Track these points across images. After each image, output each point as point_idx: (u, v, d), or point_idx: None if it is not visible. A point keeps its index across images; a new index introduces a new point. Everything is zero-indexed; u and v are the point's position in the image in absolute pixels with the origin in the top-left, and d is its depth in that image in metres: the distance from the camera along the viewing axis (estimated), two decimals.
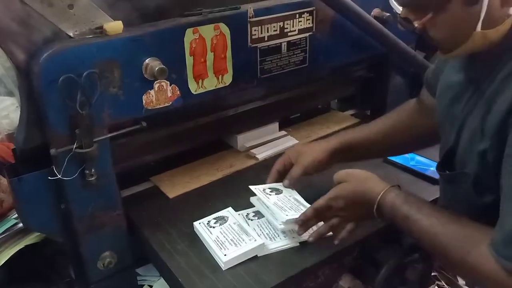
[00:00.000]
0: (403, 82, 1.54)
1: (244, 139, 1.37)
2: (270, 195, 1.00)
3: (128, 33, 0.93)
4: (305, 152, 1.02)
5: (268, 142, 1.39)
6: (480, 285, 0.73)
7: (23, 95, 0.89)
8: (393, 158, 1.25)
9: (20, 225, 1.17)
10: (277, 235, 0.97)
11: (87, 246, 1.02)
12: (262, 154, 1.32)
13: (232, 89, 1.12)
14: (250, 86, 1.17)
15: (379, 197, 0.84)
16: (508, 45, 0.70)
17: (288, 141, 1.39)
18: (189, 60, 1.02)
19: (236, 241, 0.93)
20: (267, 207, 0.98)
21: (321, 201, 0.90)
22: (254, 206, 1.06)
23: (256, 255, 0.92)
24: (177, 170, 1.27)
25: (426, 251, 0.85)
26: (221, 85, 1.10)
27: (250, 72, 1.15)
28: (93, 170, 0.94)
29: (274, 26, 1.14)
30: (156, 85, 0.99)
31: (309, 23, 1.20)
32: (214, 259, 0.93)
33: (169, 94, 1.02)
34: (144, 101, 0.99)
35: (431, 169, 1.18)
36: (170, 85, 1.01)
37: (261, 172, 1.25)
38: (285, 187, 1.02)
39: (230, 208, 1.05)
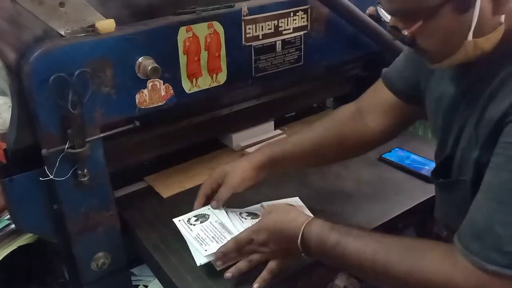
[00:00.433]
0: None
1: (239, 138, 1.36)
2: (193, 225, 0.96)
3: (120, 31, 0.92)
4: (231, 172, 0.99)
5: (263, 141, 1.38)
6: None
7: (14, 94, 0.88)
8: (388, 157, 1.25)
9: (13, 226, 1.16)
10: (223, 238, 0.92)
11: (81, 247, 1.01)
12: None
13: (226, 88, 1.11)
14: (245, 85, 1.17)
15: (303, 227, 0.78)
16: (500, 54, 0.68)
17: None
18: (182, 59, 1.01)
19: (218, 238, 0.91)
20: (189, 242, 0.93)
21: (243, 233, 0.86)
22: (252, 205, 1.05)
23: None
24: (172, 169, 1.26)
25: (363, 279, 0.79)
26: (215, 84, 1.09)
27: (245, 71, 1.14)
28: (85, 171, 0.93)
29: (268, 25, 1.13)
30: (149, 84, 0.98)
31: (304, 22, 1.20)
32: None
33: (163, 93, 1.01)
34: (137, 101, 0.98)
35: (426, 167, 1.18)
36: (163, 84, 1.00)
37: None
38: (214, 208, 0.99)
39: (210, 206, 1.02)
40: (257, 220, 0.99)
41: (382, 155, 1.25)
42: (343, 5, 1.18)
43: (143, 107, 0.99)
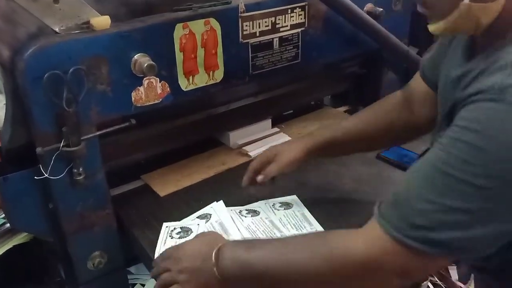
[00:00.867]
0: (396, 78, 1.52)
1: (236, 136, 1.35)
2: (245, 217, 0.98)
3: (115, 28, 0.91)
4: (282, 152, 1.01)
5: (261, 139, 1.37)
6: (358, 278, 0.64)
7: (8, 92, 0.87)
8: (386, 155, 1.24)
9: (8, 225, 1.15)
10: (273, 234, 0.95)
11: (77, 246, 1.01)
12: (254, 151, 1.30)
13: (223, 85, 1.10)
14: (242, 83, 1.16)
15: (218, 247, 0.74)
16: (495, 35, 0.63)
17: (281, 138, 1.38)
18: (179, 56, 1.00)
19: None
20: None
21: (169, 249, 0.85)
22: (248, 204, 1.05)
23: None
24: (168, 168, 1.25)
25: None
26: (212, 82, 1.08)
27: (242, 68, 1.13)
28: (81, 169, 0.92)
29: (265, 22, 1.12)
30: (145, 82, 0.97)
31: (301, 19, 1.19)
32: None
33: (159, 91, 1.00)
34: (133, 98, 0.97)
35: None
36: (159, 82, 1.00)
37: None
38: (259, 181, 1.00)
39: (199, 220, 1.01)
40: (257, 217, 0.99)
41: (381, 153, 1.25)
42: (341, 2, 1.18)
43: (139, 105, 0.98)
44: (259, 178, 1.00)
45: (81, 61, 0.87)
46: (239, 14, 1.07)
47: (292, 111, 1.57)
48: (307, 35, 1.22)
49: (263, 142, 1.36)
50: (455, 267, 1.43)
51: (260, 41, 1.13)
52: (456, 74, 0.71)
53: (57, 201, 0.95)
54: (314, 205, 1.05)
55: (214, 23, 1.03)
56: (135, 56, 0.93)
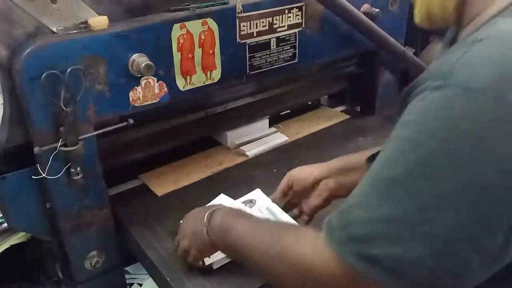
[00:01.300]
0: (392, 78, 1.53)
1: (233, 136, 1.35)
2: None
3: (113, 28, 0.91)
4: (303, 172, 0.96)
5: (258, 139, 1.37)
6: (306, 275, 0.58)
7: (5, 92, 0.87)
8: None
9: (6, 224, 1.15)
10: None
11: (74, 246, 1.01)
12: (252, 151, 1.31)
13: (220, 85, 1.11)
14: (239, 83, 1.16)
15: (209, 212, 0.79)
16: (465, 26, 0.58)
17: (278, 138, 1.38)
18: (176, 56, 1.01)
19: None
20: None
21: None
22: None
23: None
24: (166, 167, 1.26)
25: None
26: (209, 82, 1.08)
27: (239, 68, 1.13)
28: (78, 169, 0.92)
29: (263, 22, 1.12)
30: (143, 82, 0.97)
31: (298, 19, 1.19)
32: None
33: (156, 91, 1.00)
34: (130, 98, 0.97)
35: None
36: (157, 82, 1.00)
37: (250, 169, 1.24)
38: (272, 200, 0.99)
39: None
40: (254, 207, 0.99)
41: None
42: (338, 2, 1.18)
43: (136, 105, 0.99)
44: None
45: (79, 61, 0.87)
46: (237, 14, 1.07)
47: (289, 111, 1.58)
48: (304, 35, 1.22)
49: (261, 142, 1.36)
50: None
51: (257, 41, 1.13)
52: None
53: (54, 200, 0.95)
54: None
55: (211, 23, 1.03)
56: (132, 56, 0.93)
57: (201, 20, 1.02)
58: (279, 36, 1.17)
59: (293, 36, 1.20)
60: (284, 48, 1.20)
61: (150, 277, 1.12)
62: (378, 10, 1.30)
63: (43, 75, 0.81)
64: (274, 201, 0.98)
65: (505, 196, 0.46)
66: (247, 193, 1.08)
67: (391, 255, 0.48)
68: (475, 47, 0.48)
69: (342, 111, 1.60)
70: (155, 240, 0.98)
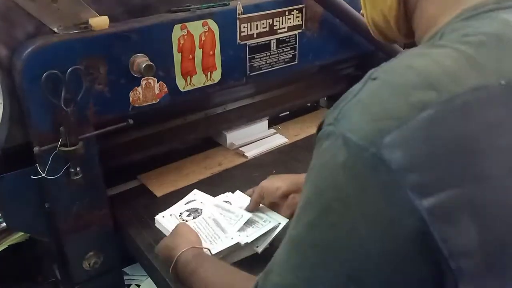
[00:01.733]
0: None
1: (233, 137, 1.35)
2: (186, 221, 0.95)
3: (114, 28, 0.91)
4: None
5: (257, 140, 1.37)
6: None
7: (5, 92, 0.86)
8: None
9: (4, 224, 1.14)
10: (217, 237, 0.90)
11: (72, 246, 1.00)
12: (251, 152, 1.31)
13: (220, 86, 1.11)
14: (239, 84, 1.16)
15: (178, 254, 0.80)
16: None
17: (277, 139, 1.39)
18: (177, 57, 1.01)
19: (212, 238, 0.90)
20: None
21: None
22: None
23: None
24: (165, 168, 1.26)
25: None
26: (209, 83, 1.08)
27: (239, 69, 1.13)
28: (78, 169, 0.92)
29: (263, 23, 1.13)
30: (143, 82, 0.97)
31: (298, 21, 1.19)
32: None
33: (157, 91, 1.00)
34: (131, 98, 0.97)
35: None
36: (157, 82, 1.00)
37: (250, 170, 1.24)
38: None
39: (206, 196, 1.03)
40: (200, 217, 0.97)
41: None
42: (338, 4, 1.18)
43: (137, 105, 0.99)
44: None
45: (79, 61, 0.87)
46: (237, 16, 1.07)
47: (288, 112, 1.58)
48: (304, 37, 1.23)
49: (260, 143, 1.36)
50: None
51: (257, 42, 1.13)
52: None
53: (53, 200, 0.94)
54: None
55: (212, 24, 1.03)
56: (133, 57, 0.93)
57: (202, 21, 1.02)
58: (279, 38, 1.18)
59: (293, 38, 1.21)
60: (284, 50, 1.20)
61: (148, 278, 1.12)
62: None
63: (44, 75, 0.81)
64: (248, 210, 0.97)
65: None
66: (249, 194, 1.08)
67: None
68: (366, 87, 0.44)
69: None
70: (154, 241, 0.98)
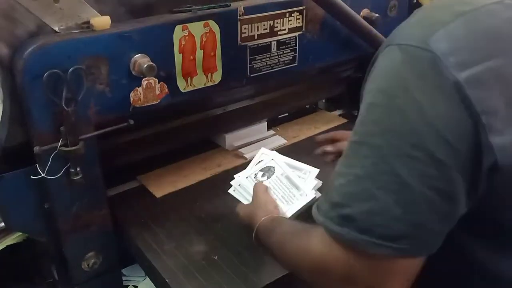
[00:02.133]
0: None
1: (232, 138, 1.36)
2: (262, 181, 0.97)
3: (115, 28, 0.91)
4: None
5: (257, 141, 1.38)
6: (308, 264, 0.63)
7: (6, 91, 0.86)
8: None
9: (2, 224, 1.13)
10: (293, 196, 0.94)
11: (72, 247, 1.00)
12: (250, 153, 1.30)
13: (221, 87, 1.11)
14: (239, 85, 1.16)
15: (258, 223, 0.83)
16: None
17: (277, 141, 1.39)
18: (178, 58, 1.01)
19: (288, 197, 0.93)
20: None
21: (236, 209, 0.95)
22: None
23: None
24: (165, 169, 1.25)
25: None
26: (210, 84, 1.08)
27: (240, 70, 1.13)
28: (78, 169, 0.92)
29: (264, 25, 1.13)
30: (144, 83, 0.97)
31: (299, 22, 1.20)
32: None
33: (157, 92, 1.00)
34: (131, 99, 0.97)
35: None
36: (158, 83, 1.00)
37: None
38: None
39: (274, 154, 1.04)
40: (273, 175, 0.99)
41: None
42: (338, 6, 1.19)
43: (137, 106, 0.98)
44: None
45: (81, 60, 0.86)
46: (238, 17, 1.07)
47: (287, 114, 1.58)
48: (305, 39, 1.23)
49: (259, 144, 1.36)
50: None
51: (258, 44, 1.14)
52: None
53: (53, 201, 0.94)
54: None
55: (213, 25, 1.03)
56: (134, 57, 0.93)
57: (203, 22, 1.02)
58: (279, 39, 1.18)
59: (293, 40, 1.21)
60: (285, 51, 1.20)
61: (146, 279, 1.12)
62: (377, 15, 1.31)
63: (45, 74, 0.81)
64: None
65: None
66: None
67: (363, 209, 0.53)
68: (416, 14, 0.58)
69: (339, 115, 1.61)
70: (154, 242, 0.98)
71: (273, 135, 1.42)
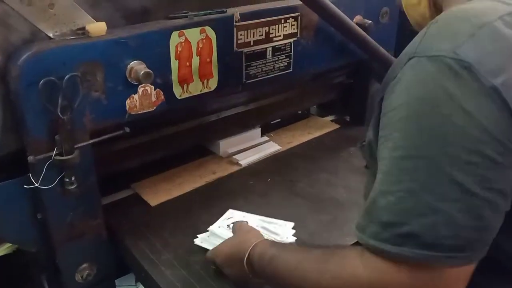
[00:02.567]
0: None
1: (226, 145, 1.34)
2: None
3: (111, 35, 0.90)
4: None
5: (251, 148, 1.37)
6: None
7: None
8: None
9: None
10: (274, 239, 0.92)
11: (65, 258, 0.97)
12: (245, 160, 1.30)
13: (217, 94, 1.10)
14: (235, 92, 1.15)
15: (250, 247, 0.77)
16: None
17: (271, 147, 1.38)
18: (174, 64, 0.99)
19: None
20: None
21: (209, 252, 0.89)
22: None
23: None
24: (158, 177, 1.23)
25: None
26: (206, 90, 1.07)
27: (236, 77, 1.12)
28: (73, 178, 0.90)
29: (260, 31, 1.12)
30: (140, 90, 0.96)
31: (294, 29, 1.20)
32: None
33: (153, 99, 0.99)
34: (127, 106, 0.95)
35: None
36: (154, 90, 0.98)
37: (245, 179, 1.23)
38: None
39: (245, 213, 1.03)
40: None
41: None
42: (333, 12, 1.19)
43: (133, 113, 0.97)
44: None
45: (76, 67, 0.85)
46: (234, 23, 1.07)
47: (279, 120, 1.57)
48: (299, 45, 1.23)
49: (253, 151, 1.35)
50: None
51: (253, 50, 1.13)
52: None
53: (47, 211, 0.91)
54: (307, 215, 1.06)
55: (209, 31, 1.02)
56: (131, 64, 0.91)
57: (200, 28, 1.01)
58: (275, 46, 1.17)
59: (288, 46, 1.21)
60: (280, 58, 1.20)
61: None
62: (370, 22, 1.32)
63: (41, 81, 0.79)
64: None
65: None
66: (240, 201, 1.10)
67: (425, 224, 0.51)
68: (431, 27, 0.59)
69: (332, 121, 1.61)
70: (151, 251, 0.96)
71: (267, 141, 1.42)
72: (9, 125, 0.86)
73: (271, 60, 1.18)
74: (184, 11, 1.00)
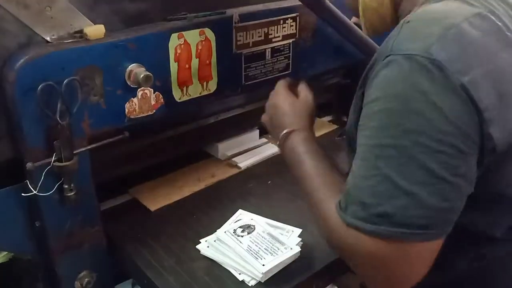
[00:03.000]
0: None
1: (225, 148, 1.33)
2: (241, 236, 0.93)
3: (110, 38, 0.88)
4: None
5: (249, 150, 1.35)
6: (327, 239, 0.69)
7: None
8: None
9: None
10: (277, 249, 0.91)
11: (64, 266, 0.95)
12: (244, 162, 1.28)
13: (216, 96, 1.08)
14: (234, 93, 1.14)
15: (286, 130, 0.86)
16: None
17: (269, 149, 1.37)
18: (173, 67, 0.98)
19: (271, 250, 0.90)
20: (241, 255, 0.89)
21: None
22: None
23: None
24: (157, 181, 1.21)
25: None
26: (205, 93, 1.06)
27: (235, 79, 1.11)
28: (72, 185, 0.88)
29: (259, 32, 1.11)
30: (139, 93, 0.94)
31: (292, 29, 1.19)
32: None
33: (153, 102, 0.97)
34: (126, 110, 0.93)
35: None
36: (153, 93, 0.96)
37: (244, 181, 1.22)
38: None
39: (253, 215, 1.03)
40: (254, 232, 0.96)
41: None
42: (332, 12, 1.18)
43: (132, 117, 0.95)
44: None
45: (75, 71, 0.83)
46: (233, 25, 1.05)
47: None
48: (298, 46, 1.22)
49: (252, 153, 1.34)
50: None
51: (253, 51, 1.12)
52: None
53: (45, 219, 0.89)
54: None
55: (209, 33, 1.01)
56: (130, 67, 0.90)
57: (199, 29, 0.99)
58: (274, 47, 1.16)
59: (287, 47, 1.20)
60: (279, 59, 1.19)
61: None
62: None
63: (39, 87, 0.77)
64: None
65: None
66: (240, 202, 1.08)
67: (398, 205, 0.57)
68: (404, 27, 0.63)
69: (329, 121, 1.60)
70: (153, 258, 0.94)
71: (266, 143, 1.40)
72: (4, 132, 0.83)
73: (270, 62, 1.17)
74: (183, 13, 0.98)
